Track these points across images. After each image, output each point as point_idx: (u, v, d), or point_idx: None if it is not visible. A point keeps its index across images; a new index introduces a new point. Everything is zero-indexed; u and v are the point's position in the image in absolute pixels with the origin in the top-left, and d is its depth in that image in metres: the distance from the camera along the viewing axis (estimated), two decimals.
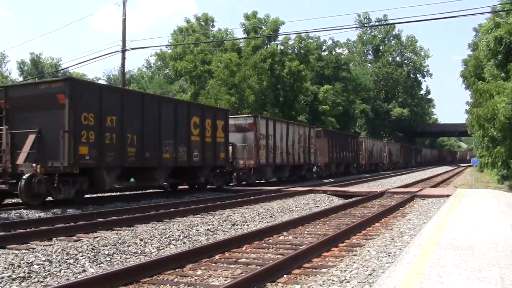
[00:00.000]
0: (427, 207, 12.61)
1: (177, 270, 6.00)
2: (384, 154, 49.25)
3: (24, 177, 11.42)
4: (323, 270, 5.90)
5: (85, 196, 13.55)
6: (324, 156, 30.73)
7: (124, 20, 25.69)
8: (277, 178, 26.47)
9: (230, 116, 20.28)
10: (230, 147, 19.65)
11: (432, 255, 5.46)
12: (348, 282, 5.20)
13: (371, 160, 43.94)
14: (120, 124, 13.53)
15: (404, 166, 61.19)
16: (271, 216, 11.59)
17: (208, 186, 18.71)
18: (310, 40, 46.76)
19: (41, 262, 6.20)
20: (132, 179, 15.21)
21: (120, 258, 6.87)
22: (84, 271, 6.14)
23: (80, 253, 6.76)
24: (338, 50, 70.10)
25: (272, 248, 7.48)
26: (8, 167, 11.73)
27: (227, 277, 5.68)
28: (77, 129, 12.13)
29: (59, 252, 6.74)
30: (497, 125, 19.46)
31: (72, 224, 9.30)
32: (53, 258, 6.41)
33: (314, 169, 29.25)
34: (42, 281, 5.61)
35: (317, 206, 14.21)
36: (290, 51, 44.26)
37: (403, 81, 78.98)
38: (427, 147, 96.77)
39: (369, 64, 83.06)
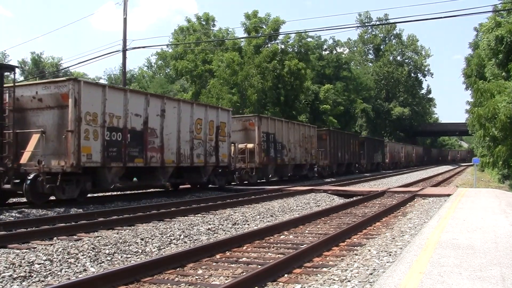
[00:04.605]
0: (428, 207, 12.59)
1: (178, 269, 6.00)
2: (249, 146, 21.85)
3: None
4: (324, 269, 5.89)
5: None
6: None
7: (124, 19, 25.66)
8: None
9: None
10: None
11: (433, 255, 5.46)
12: (349, 281, 5.20)
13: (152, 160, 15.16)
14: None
15: (344, 170, 34.79)
16: (272, 216, 11.59)
17: (210, 185, 18.78)
18: (309, 39, 46.72)
19: (42, 262, 6.21)
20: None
21: (121, 257, 6.87)
22: (85, 270, 6.14)
23: (81, 253, 6.77)
24: (339, 50, 70.22)
25: (273, 248, 7.48)
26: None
27: (228, 277, 5.68)
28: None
29: (60, 251, 6.74)
30: (498, 124, 19.44)
31: (73, 223, 9.31)
32: (54, 258, 6.41)
33: None
34: (43, 281, 5.61)
35: (318, 206, 14.21)
36: (290, 50, 44.26)
37: (404, 80, 78.87)
38: (393, 142, 60.45)
39: (370, 64, 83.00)
